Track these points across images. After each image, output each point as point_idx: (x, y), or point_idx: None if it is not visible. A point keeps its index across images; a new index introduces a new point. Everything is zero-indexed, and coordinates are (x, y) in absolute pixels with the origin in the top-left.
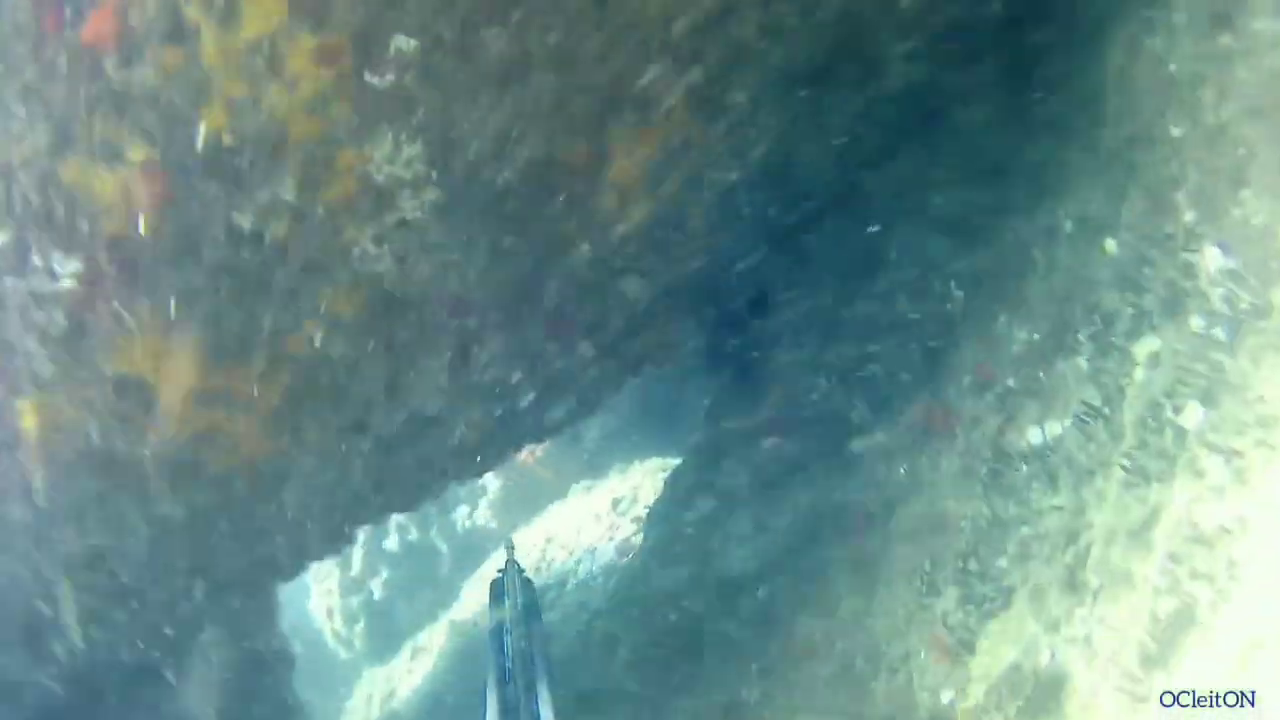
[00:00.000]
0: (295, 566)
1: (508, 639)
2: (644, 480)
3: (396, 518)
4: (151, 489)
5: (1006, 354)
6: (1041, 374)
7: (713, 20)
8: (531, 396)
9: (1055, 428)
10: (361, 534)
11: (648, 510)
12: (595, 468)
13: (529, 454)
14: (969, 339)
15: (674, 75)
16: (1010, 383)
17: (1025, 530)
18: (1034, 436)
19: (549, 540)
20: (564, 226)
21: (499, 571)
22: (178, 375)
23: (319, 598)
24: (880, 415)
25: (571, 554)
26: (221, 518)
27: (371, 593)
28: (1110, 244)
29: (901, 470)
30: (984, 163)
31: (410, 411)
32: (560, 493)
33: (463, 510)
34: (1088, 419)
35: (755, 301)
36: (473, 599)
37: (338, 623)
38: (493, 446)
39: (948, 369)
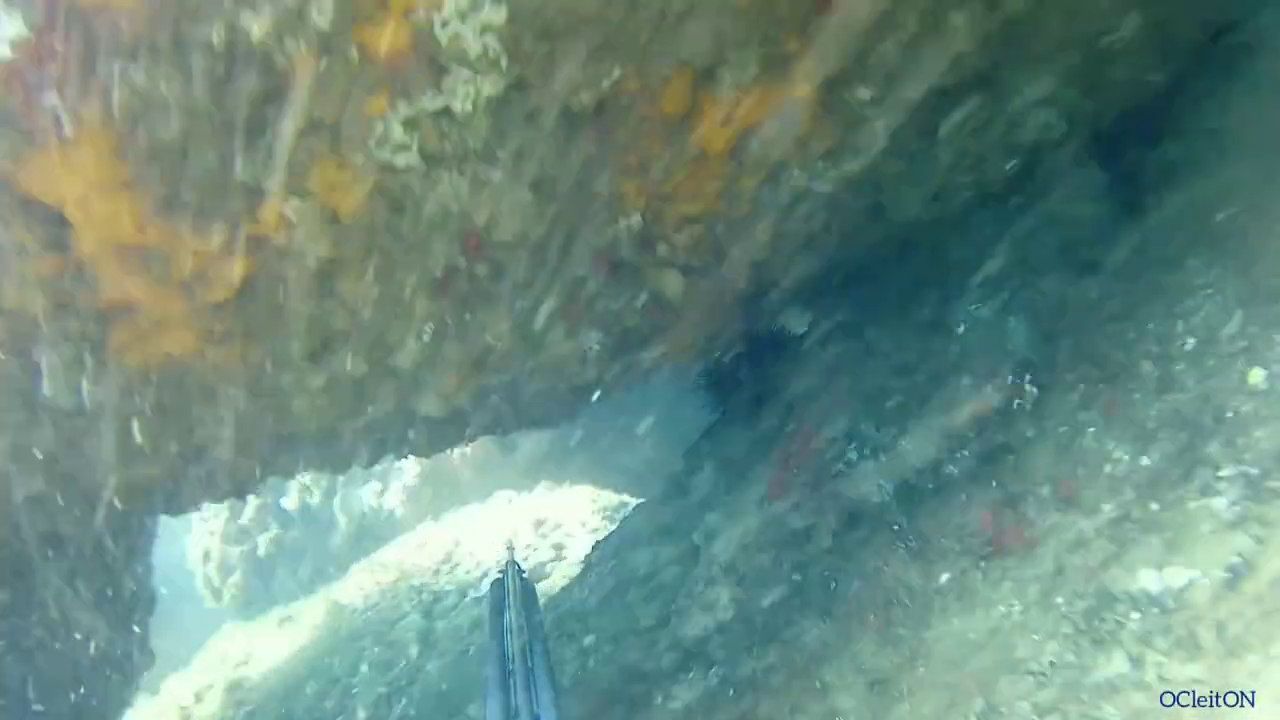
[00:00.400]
0: (191, 500)
1: (508, 641)
2: (573, 507)
3: (301, 476)
4: (44, 361)
5: (1099, 473)
6: (1156, 506)
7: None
8: (506, 379)
9: (1179, 575)
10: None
11: (596, 544)
12: (522, 481)
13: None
14: (1046, 446)
15: (816, 60)
16: (1108, 509)
17: (1139, 699)
18: (1149, 581)
19: (456, 544)
20: (625, 184)
21: (499, 573)
22: (109, 218)
23: (199, 537)
24: (912, 505)
25: (478, 565)
26: (120, 420)
27: (256, 547)
28: (1257, 375)
29: (943, 577)
30: (1085, 255)
31: (380, 355)
32: (481, 496)
33: (372, 487)
34: (1233, 573)
35: (788, 339)
36: (360, 583)
37: (212, 569)
38: (451, 428)
39: (1017, 475)
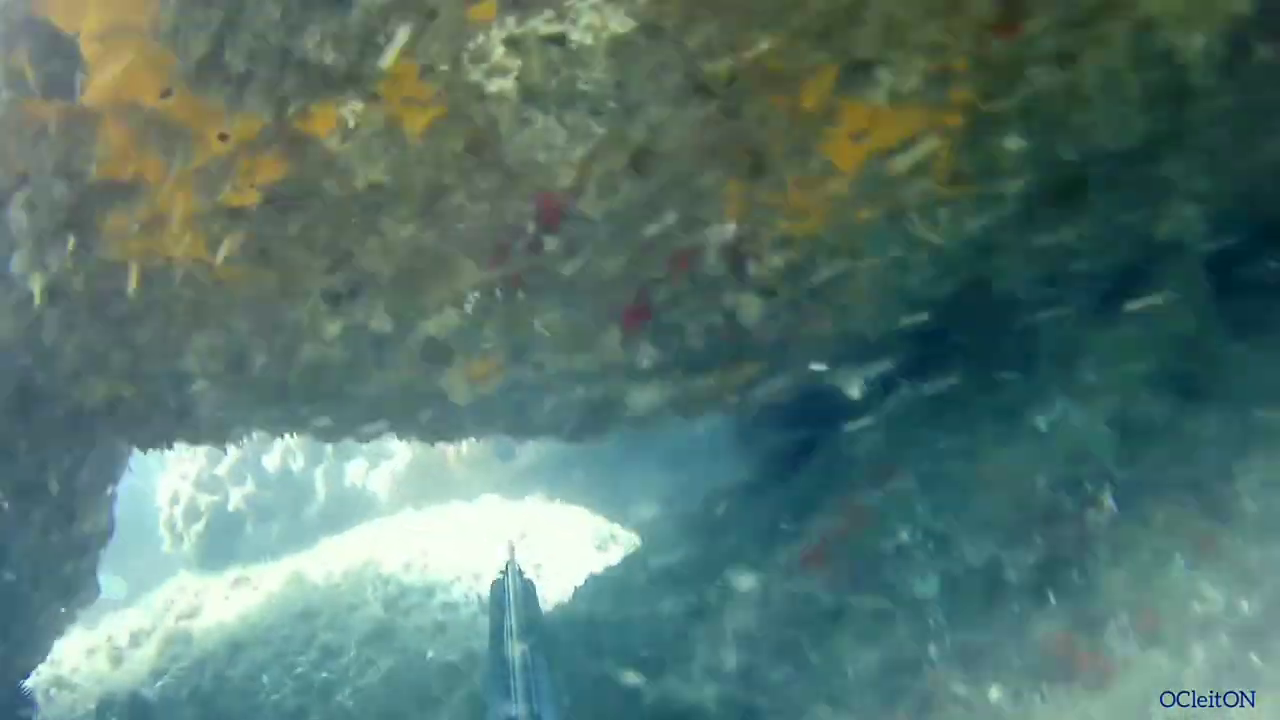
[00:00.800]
0: (163, 435)
1: (509, 643)
2: (563, 526)
3: (288, 438)
4: (17, 227)
5: (1187, 611)
6: (1258, 659)
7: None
8: (542, 376)
9: None
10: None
11: (590, 576)
12: (515, 488)
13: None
14: (1122, 570)
15: (977, 90)
16: (1199, 652)
17: None
18: None
19: (435, 540)
20: (731, 184)
21: (500, 573)
22: (128, 70)
23: (170, 478)
24: (961, 605)
25: (452, 568)
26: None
27: (228, 500)
28: None
29: (993, 693)
30: (1188, 373)
31: (411, 316)
32: (469, 496)
33: (358, 464)
34: None
35: (839, 398)
36: (326, 560)
37: (178, 513)
38: (469, 418)
39: (1088, 595)
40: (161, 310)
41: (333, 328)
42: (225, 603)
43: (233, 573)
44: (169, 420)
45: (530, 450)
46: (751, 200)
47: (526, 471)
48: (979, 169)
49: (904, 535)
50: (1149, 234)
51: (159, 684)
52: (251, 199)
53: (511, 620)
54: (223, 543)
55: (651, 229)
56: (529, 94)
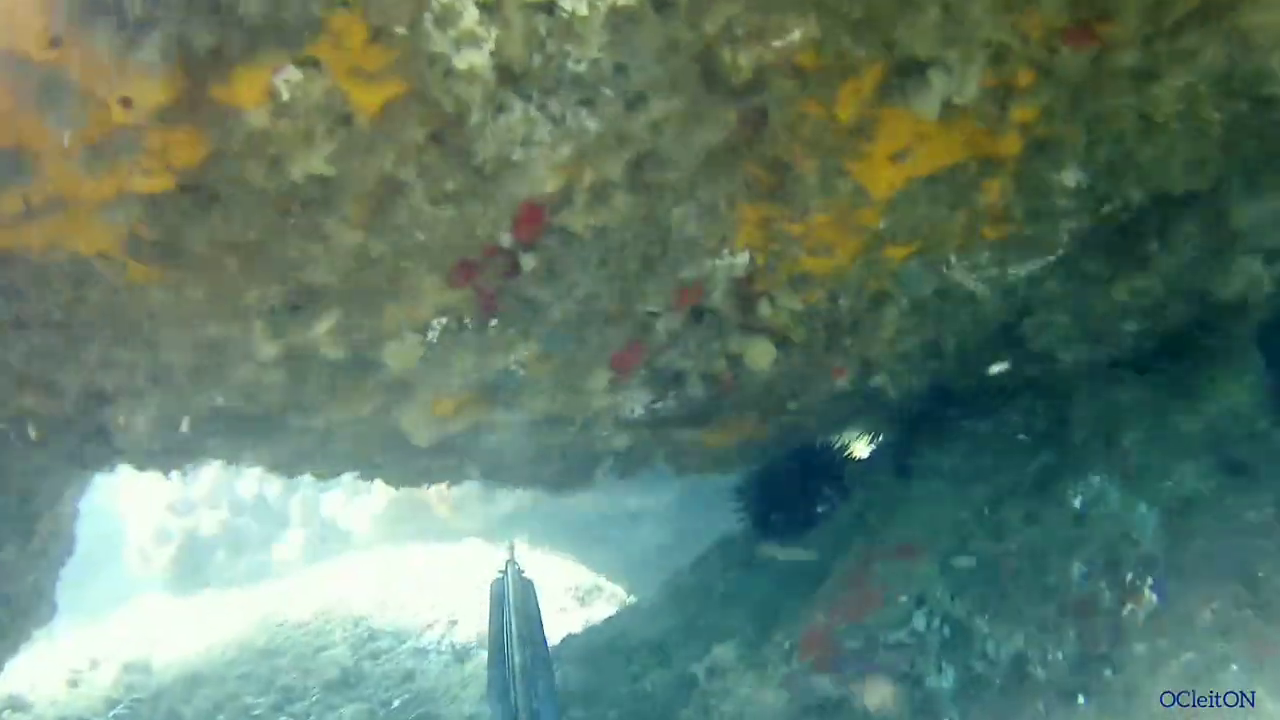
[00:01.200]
0: (101, 458)
1: (509, 644)
2: (544, 575)
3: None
4: None
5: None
6: None
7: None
8: (515, 419)
9: None
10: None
11: (566, 636)
12: (499, 533)
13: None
14: (1164, 671)
15: (1039, 109)
16: None
17: None
18: None
19: (411, 582)
20: (747, 207)
21: (499, 573)
22: (6, 9)
23: (140, 498)
24: (979, 702)
25: (428, 612)
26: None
27: (200, 524)
28: None
29: None
30: (1236, 452)
31: (364, 340)
32: (451, 537)
33: (336, 496)
34: None
35: (845, 460)
36: (296, 594)
37: (148, 534)
38: (435, 463)
39: (1125, 700)
40: (69, 318)
41: (269, 349)
42: (188, 632)
43: (200, 600)
44: (102, 445)
45: (516, 493)
46: (768, 227)
47: (512, 516)
48: (1030, 207)
49: (919, 622)
50: (1209, 292)
51: (111, 714)
52: (164, 183)
53: (512, 620)
54: (191, 567)
55: (650, 253)
56: (507, 73)
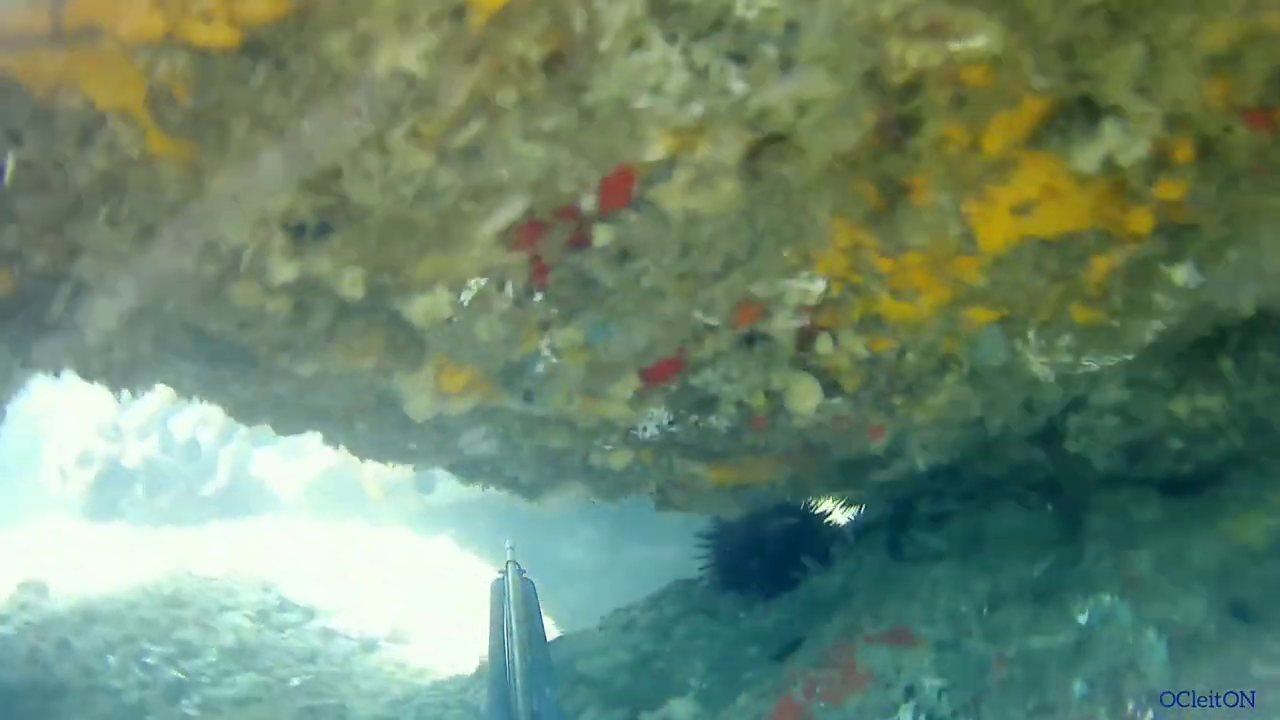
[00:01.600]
0: (50, 356)
1: (508, 643)
2: (468, 582)
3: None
4: None
5: None
6: None
7: None
8: (522, 412)
9: None
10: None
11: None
12: (428, 525)
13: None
14: None
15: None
16: None
17: None
18: None
19: (329, 560)
20: (841, 223)
21: (500, 572)
22: None
23: (68, 417)
24: None
25: (341, 593)
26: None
27: (124, 454)
28: None
29: None
30: (1242, 592)
31: (385, 282)
32: (377, 520)
33: (267, 454)
34: None
35: (826, 526)
36: (210, 547)
37: (70, 454)
38: (421, 440)
39: None
40: (61, 179)
41: (284, 271)
42: (93, 561)
43: (109, 530)
44: (55, 342)
45: (451, 485)
46: (855, 255)
47: (445, 509)
48: (1131, 296)
49: (906, 716)
50: (1270, 422)
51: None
52: (225, 37)
53: (512, 620)
54: (108, 497)
55: (736, 255)
56: (660, 2)
